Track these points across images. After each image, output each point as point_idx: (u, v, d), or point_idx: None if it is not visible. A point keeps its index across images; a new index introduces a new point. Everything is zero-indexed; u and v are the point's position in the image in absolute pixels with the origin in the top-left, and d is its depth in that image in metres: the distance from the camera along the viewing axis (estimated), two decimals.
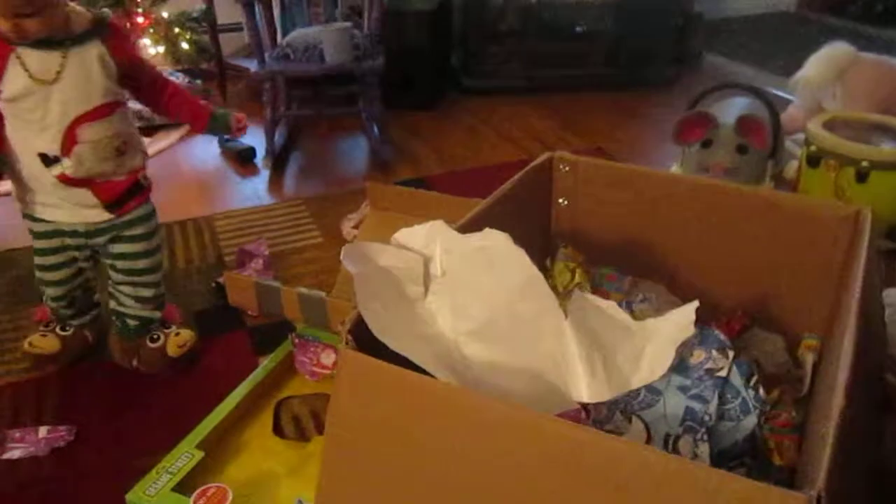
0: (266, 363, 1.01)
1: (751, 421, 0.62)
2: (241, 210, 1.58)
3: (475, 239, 0.64)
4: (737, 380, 0.63)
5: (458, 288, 0.65)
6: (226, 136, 1.88)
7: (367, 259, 0.64)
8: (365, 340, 0.59)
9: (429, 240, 0.66)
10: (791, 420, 0.71)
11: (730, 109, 1.41)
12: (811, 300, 0.84)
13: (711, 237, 0.89)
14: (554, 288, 0.88)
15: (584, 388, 0.58)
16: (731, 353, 0.64)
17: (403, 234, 0.67)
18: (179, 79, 2.09)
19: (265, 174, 1.79)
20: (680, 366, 0.62)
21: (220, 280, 1.21)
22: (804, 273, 0.84)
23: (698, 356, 0.63)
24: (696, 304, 0.63)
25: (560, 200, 0.99)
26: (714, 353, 0.63)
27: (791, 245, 0.83)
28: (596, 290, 0.91)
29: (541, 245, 1.00)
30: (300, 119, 2.05)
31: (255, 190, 1.72)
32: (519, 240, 0.93)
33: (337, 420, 0.59)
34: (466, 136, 2.01)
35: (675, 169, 1.51)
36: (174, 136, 2.03)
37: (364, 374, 0.58)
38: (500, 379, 0.64)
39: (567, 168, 0.96)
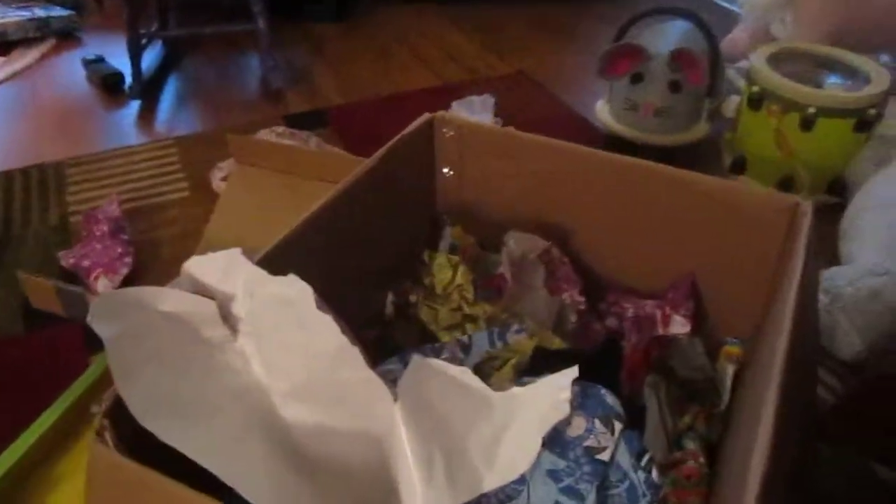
0: (93, 368, 0.85)
1: None
2: (97, 154, 1.37)
3: (278, 285, 0.48)
4: (624, 459, 0.50)
5: (265, 340, 0.50)
6: (89, 57, 1.64)
7: (138, 308, 0.48)
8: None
9: (226, 273, 0.50)
10: (699, 469, 0.60)
11: (664, 39, 1.25)
12: (736, 301, 0.72)
13: (625, 223, 0.75)
14: (431, 288, 0.74)
15: (419, 499, 0.44)
16: (618, 426, 0.51)
17: (195, 264, 0.51)
18: None
19: (134, 106, 1.57)
20: (553, 439, 0.48)
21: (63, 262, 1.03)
22: (730, 270, 0.71)
23: (577, 426, 0.50)
24: (575, 371, 0.49)
25: (445, 170, 0.83)
26: (597, 424, 0.50)
27: (718, 238, 0.70)
28: (486, 280, 0.77)
29: (423, 224, 0.85)
30: (178, 36, 1.80)
31: (119, 126, 1.50)
32: (398, 222, 0.79)
33: None
34: (376, 57, 1.80)
35: (600, 105, 1.35)
36: (33, 54, 1.77)
37: (120, 487, 0.43)
38: (332, 446, 0.50)
39: (451, 133, 0.80)
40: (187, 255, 1.06)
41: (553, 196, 0.78)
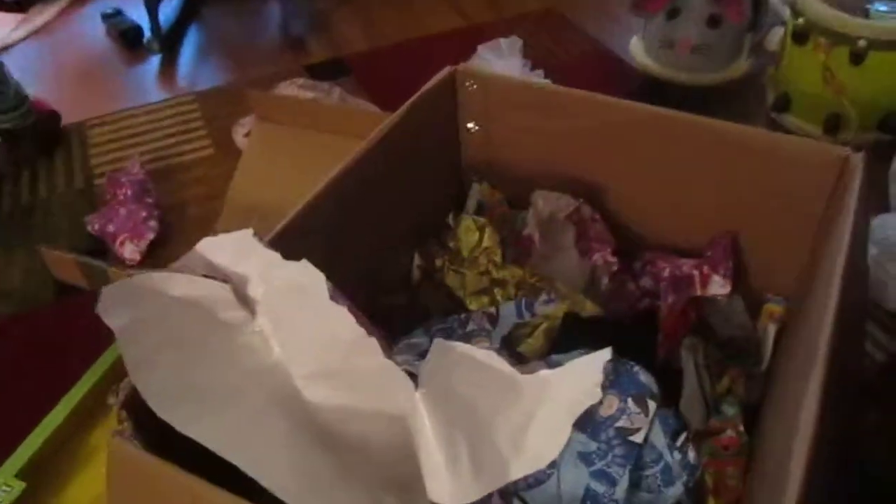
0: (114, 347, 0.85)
1: (675, 491, 0.48)
2: (119, 113, 1.36)
3: (290, 271, 0.46)
4: (659, 439, 0.48)
5: (282, 323, 0.48)
6: (108, 11, 1.62)
7: (149, 295, 0.47)
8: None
9: (239, 256, 0.49)
10: (738, 439, 0.58)
11: None
12: (779, 257, 0.69)
13: (661, 178, 0.72)
14: (458, 252, 0.72)
15: (445, 488, 0.43)
16: (652, 405, 0.49)
17: (207, 245, 0.50)
18: None
19: (155, 60, 1.55)
20: (584, 419, 0.47)
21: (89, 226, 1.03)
22: (773, 225, 0.68)
23: (609, 406, 0.48)
24: (607, 353, 0.47)
25: (469, 126, 0.80)
26: (630, 403, 0.48)
27: (760, 192, 0.67)
28: (515, 240, 0.75)
29: (450, 182, 0.82)
30: None
31: (140, 82, 1.48)
32: (423, 181, 0.76)
33: None
34: (401, 1, 1.74)
35: (634, 42, 1.28)
36: (51, 10, 1.75)
37: (140, 482, 0.43)
38: (354, 425, 0.49)
39: (474, 86, 0.76)
40: (214, 217, 1.07)
41: (584, 151, 0.74)
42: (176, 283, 0.48)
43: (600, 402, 0.47)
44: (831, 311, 0.46)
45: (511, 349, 0.61)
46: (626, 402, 0.48)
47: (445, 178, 0.82)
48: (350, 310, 0.44)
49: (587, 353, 0.48)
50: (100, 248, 1.03)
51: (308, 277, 0.45)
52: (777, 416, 0.53)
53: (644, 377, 0.50)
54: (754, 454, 0.57)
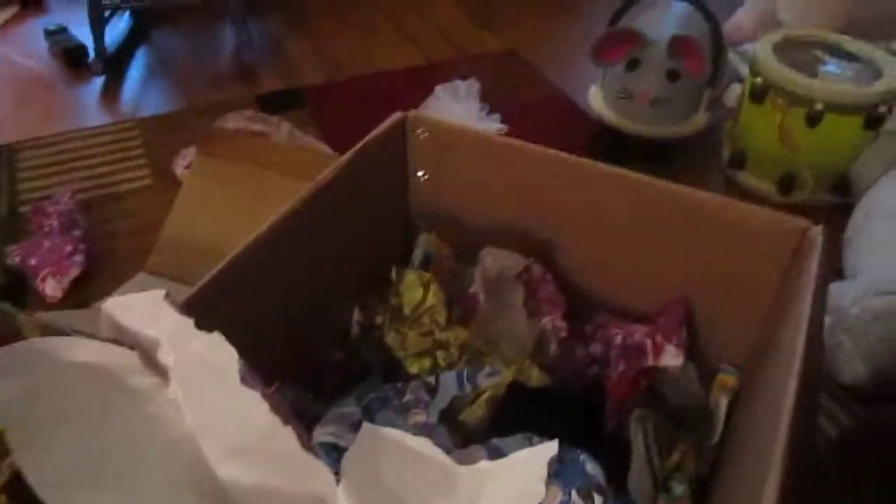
0: None
1: None
2: (55, 137, 1.29)
3: (202, 344, 0.42)
4: None
5: (195, 397, 0.44)
6: (51, 27, 1.56)
7: (46, 361, 0.42)
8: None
9: (149, 319, 0.44)
10: None
11: (663, 23, 1.17)
12: (733, 326, 0.66)
13: (615, 238, 0.70)
14: (399, 309, 0.68)
15: None
16: (598, 500, 0.45)
17: (116, 305, 0.45)
18: None
19: (98, 82, 1.49)
20: None
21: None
22: (727, 292, 0.66)
23: (552, 498, 0.44)
24: (553, 448, 0.44)
25: (419, 174, 0.76)
26: (574, 497, 0.45)
27: (715, 258, 0.65)
28: (462, 297, 0.71)
29: (397, 231, 0.79)
30: (145, 6, 1.70)
31: (81, 104, 1.42)
32: (369, 229, 0.72)
33: None
34: (359, 31, 1.72)
35: (593, 91, 1.28)
36: None
37: None
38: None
39: (426, 133, 0.73)
40: (147, 251, 1.01)
41: (536, 206, 0.71)
42: (77, 348, 0.43)
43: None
44: (792, 388, 0.44)
45: (451, 419, 0.58)
46: (569, 494, 0.44)
47: (393, 227, 0.79)
48: (264, 395, 0.40)
49: (530, 437, 0.44)
50: (20, 282, 0.97)
51: (219, 354, 0.40)
52: (732, 499, 0.50)
53: (591, 467, 0.46)
54: None
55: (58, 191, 1.06)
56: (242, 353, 0.41)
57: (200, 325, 0.42)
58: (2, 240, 1.04)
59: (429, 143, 0.74)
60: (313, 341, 0.68)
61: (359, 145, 0.70)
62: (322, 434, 0.52)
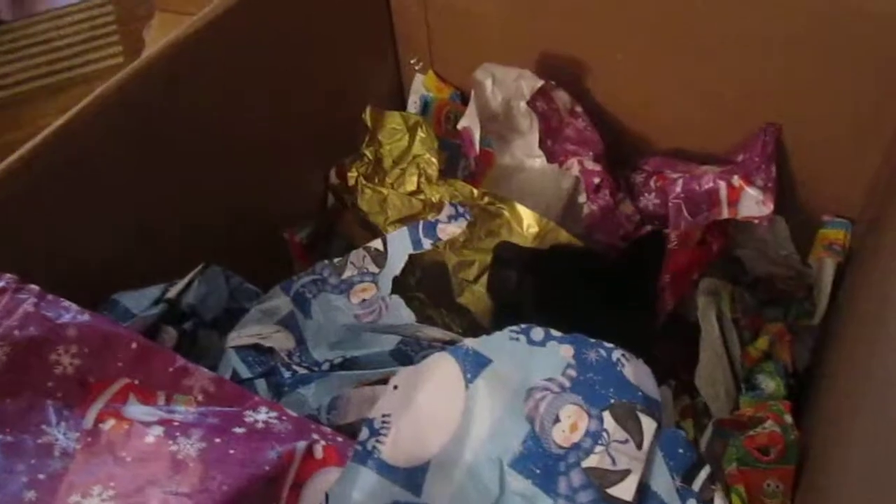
0: None
1: None
2: (22, 22, 1.19)
3: None
4: (663, 484, 0.27)
5: None
6: None
7: None
8: None
9: None
10: (782, 435, 0.43)
11: None
12: (844, 162, 0.53)
13: (668, 51, 0.53)
14: (378, 162, 0.54)
15: None
16: (649, 425, 0.27)
17: None
18: None
19: None
20: (525, 451, 0.27)
21: None
22: (839, 112, 0.51)
23: (570, 426, 0.28)
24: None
25: (412, 61, 0.66)
26: (608, 423, 0.27)
27: (816, 71, 0.50)
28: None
29: (382, 71, 0.65)
30: None
31: None
32: (344, 69, 0.61)
33: None
34: None
35: None
36: None
37: None
38: None
39: None
40: None
41: (563, 18, 0.55)
42: None
43: (554, 422, 0.28)
44: None
45: (446, 302, 0.44)
46: (599, 420, 0.28)
47: (375, 67, 0.64)
48: None
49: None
50: None
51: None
52: (847, 400, 0.39)
53: (633, 371, 0.29)
54: (807, 459, 0.41)
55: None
56: None
57: None
58: None
59: None
60: (281, 216, 0.56)
61: None
62: (238, 337, 0.42)
